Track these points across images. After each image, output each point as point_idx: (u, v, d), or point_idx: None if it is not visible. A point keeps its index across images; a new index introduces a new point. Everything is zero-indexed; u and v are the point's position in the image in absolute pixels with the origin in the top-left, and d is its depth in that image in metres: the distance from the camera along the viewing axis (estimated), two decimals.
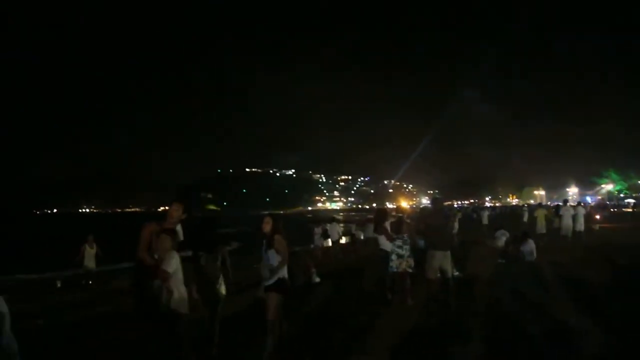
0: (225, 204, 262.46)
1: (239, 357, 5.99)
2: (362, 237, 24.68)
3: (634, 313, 7.18)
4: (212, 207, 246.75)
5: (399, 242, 8.79)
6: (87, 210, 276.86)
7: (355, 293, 9.96)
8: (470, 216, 48.29)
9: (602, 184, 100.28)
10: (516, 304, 8.19)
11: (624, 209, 58.96)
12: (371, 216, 16.63)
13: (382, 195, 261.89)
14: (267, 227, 6.04)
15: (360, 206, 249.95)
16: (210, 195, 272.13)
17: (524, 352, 5.62)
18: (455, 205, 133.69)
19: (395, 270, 8.73)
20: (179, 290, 5.22)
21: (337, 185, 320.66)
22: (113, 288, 13.88)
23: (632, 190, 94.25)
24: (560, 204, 20.08)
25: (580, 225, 17.88)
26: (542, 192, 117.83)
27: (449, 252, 8.32)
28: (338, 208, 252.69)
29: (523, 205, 61.18)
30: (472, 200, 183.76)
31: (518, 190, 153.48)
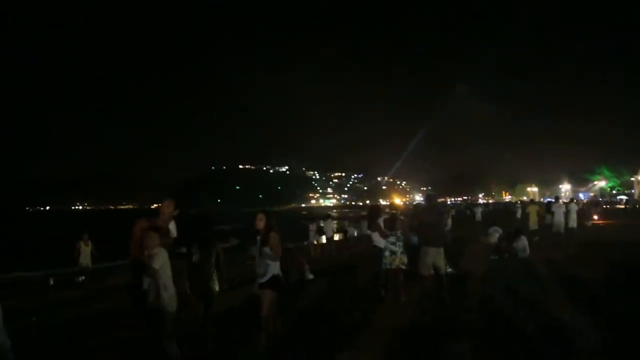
0: (218, 200, 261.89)
1: (232, 353, 5.99)
2: (355, 234, 24.74)
3: (628, 309, 7.22)
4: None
5: (392, 239, 8.81)
6: (80, 207, 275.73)
7: (349, 290, 9.97)
8: (464, 213, 48.41)
9: (594, 181, 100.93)
10: (509, 301, 8.21)
11: (616, 206, 59.28)
12: (365, 213, 16.65)
13: (376, 192, 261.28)
14: (261, 223, 6.05)
15: (353, 203, 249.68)
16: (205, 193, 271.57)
17: (517, 348, 5.64)
18: (449, 202, 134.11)
19: (388, 267, 8.75)
20: (166, 287, 5.22)
21: (330, 182, 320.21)
22: (109, 285, 13.82)
23: (624, 187, 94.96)
24: (552, 200, 20.13)
25: (573, 222, 17.95)
26: (535, 189, 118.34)
27: (442, 249, 8.35)
28: (331, 205, 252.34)
29: (516, 202, 61.38)
30: (465, 197, 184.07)
31: (511, 187, 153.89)
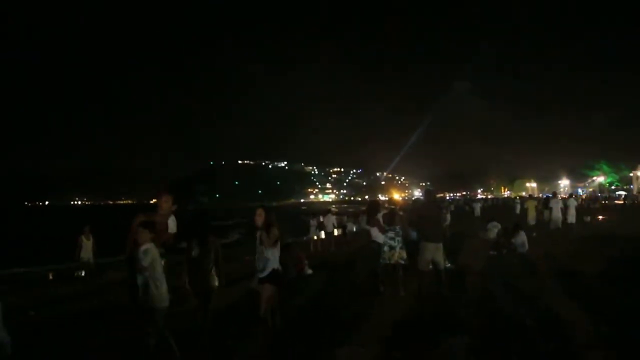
0: (217, 196, 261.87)
1: (231, 348, 6.00)
2: (354, 229, 24.74)
3: (626, 304, 7.24)
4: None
5: (391, 234, 8.82)
6: (79, 202, 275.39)
7: (348, 285, 9.98)
8: (463, 208, 48.49)
9: (593, 176, 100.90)
10: (508, 296, 8.22)
11: (615, 201, 59.31)
12: (364, 208, 16.65)
13: (375, 187, 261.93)
14: (260, 219, 6.05)
15: (352, 198, 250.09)
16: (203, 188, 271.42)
17: (516, 343, 5.65)
18: (448, 198, 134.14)
19: (387, 262, 8.77)
20: (156, 283, 5.23)
21: (329, 178, 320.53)
22: (109, 280, 13.79)
23: (623, 182, 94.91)
24: (550, 196, 20.15)
25: (572, 217, 17.96)
26: (534, 184, 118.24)
27: (441, 244, 8.36)
28: (330, 200, 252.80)
29: (515, 198, 61.50)
30: (464, 193, 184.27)
31: (510, 183, 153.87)
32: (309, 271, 11.88)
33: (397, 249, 8.74)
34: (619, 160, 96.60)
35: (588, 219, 25.51)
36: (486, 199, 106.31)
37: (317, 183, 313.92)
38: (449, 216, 20.41)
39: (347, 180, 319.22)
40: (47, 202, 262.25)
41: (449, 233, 17.60)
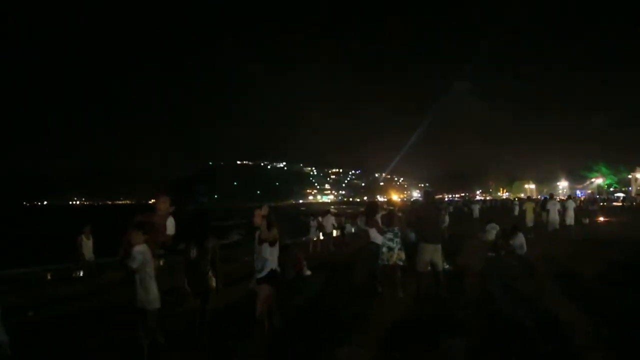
0: (216, 196, 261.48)
1: (231, 348, 6.01)
2: (352, 231, 24.71)
3: (626, 305, 7.27)
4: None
5: (389, 235, 8.83)
6: (78, 202, 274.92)
7: (346, 286, 9.98)
8: (461, 210, 48.49)
9: (592, 178, 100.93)
10: (507, 297, 8.23)
11: (613, 203, 59.37)
12: (363, 209, 16.66)
13: (373, 188, 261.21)
14: (259, 219, 6.06)
15: (351, 199, 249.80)
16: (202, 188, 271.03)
17: (515, 344, 5.67)
18: (446, 199, 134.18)
19: (386, 263, 8.78)
20: (145, 285, 5.26)
21: (328, 179, 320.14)
22: (107, 280, 13.77)
23: (621, 184, 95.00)
24: (548, 197, 20.17)
25: (571, 219, 17.97)
26: (533, 186, 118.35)
27: (439, 245, 8.38)
28: (329, 201, 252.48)
29: (514, 199, 61.47)
30: (462, 194, 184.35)
31: (509, 184, 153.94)
32: (308, 272, 11.88)
33: (396, 250, 8.75)
34: (618, 162, 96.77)
35: (587, 220, 25.51)
36: (485, 200, 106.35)
37: (316, 184, 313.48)
38: (447, 217, 20.41)
39: (346, 181, 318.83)
40: (46, 202, 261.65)
41: (447, 234, 17.62)
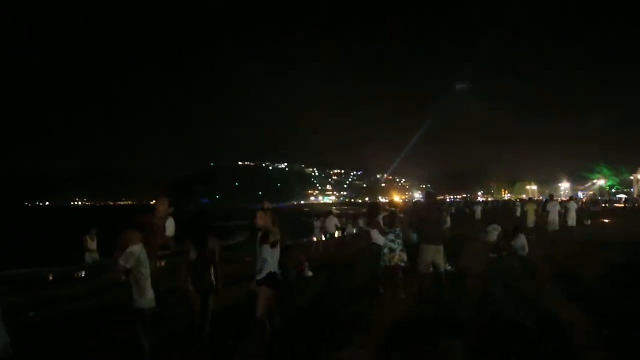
0: (217, 197, 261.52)
1: (231, 348, 6.00)
2: (353, 232, 24.69)
3: (626, 306, 7.24)
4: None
5: (391, 237, 8.82)
6: (80, 203, 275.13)
7: (348, 287, 9.98)
8: (463, 211, 48.47)
9: (594, 179, 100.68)
10: (508, 298, 8.22)
11: (615, 205, 59.25)
12: (365, 210, 16.65)
13: (375, 189, 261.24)
14: (261, 221, 6.04)
15: (353, 200, 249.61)
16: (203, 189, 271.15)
17: (516, 344, 5.65)
18: (448, 200, 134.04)
19: (387, 264, 8.77)
20: (139, 285, 5.25)
21: (329, 180, 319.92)
22: (108, 281, 13.75)
23: (623, 185, 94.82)
24: (548, 199, 20.12)
25: (572, 221, 17.92)
26: (535, 187, 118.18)
27: (441, 247, 8.36)
28: (331, 202, 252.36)
29: (516, 200, 61.42)
30: (464, 195, 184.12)
31: (510, 185, 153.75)
32: (310, 273, 11.86)
33: (398, 252, 8.74)
34: (620, 163, 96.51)
35: (589, 222, 25.44)
36: (487, 201, 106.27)
37: (318, 185, 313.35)
38: (449, 219, 20.38)
39: (348, 182, 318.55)
40: (47, 203, 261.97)
41: (449, 236, 17.59)
